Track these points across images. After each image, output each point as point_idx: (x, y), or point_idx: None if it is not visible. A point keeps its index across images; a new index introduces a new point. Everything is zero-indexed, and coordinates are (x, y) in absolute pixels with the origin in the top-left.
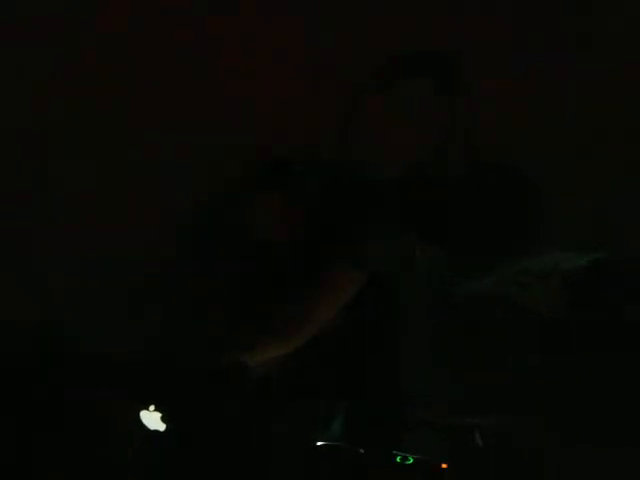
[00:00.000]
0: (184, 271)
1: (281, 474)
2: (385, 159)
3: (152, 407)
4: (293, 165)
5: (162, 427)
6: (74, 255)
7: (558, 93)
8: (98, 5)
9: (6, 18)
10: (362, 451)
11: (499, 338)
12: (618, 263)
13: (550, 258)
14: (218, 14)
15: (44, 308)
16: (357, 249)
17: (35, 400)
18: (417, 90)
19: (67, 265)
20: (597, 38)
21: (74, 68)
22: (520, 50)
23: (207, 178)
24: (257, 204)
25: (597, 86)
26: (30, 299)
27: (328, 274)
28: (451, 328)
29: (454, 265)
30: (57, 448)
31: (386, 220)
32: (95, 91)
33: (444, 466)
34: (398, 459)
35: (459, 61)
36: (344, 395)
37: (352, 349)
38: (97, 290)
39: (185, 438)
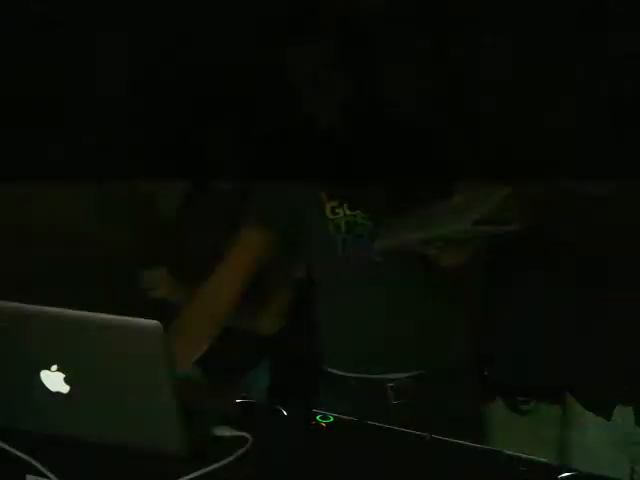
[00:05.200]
0: None
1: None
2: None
3: (54, 367)
4: None
5: (66, 389)
6: None
7: None
8: None
9: None
10: (283, 410)
11: (419, 294)
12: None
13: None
14: None
15: None
16: (262, 205)
17: None
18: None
19: None
20: None
21: None
22: None
23: None
24: None
25: None
26: None
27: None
28: (370, 285)
29: (369, 223)
30: None
31: (291, 176)
32: None
33: None
34: (318, 418)
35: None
36: (265, 354)
37: None
38: None
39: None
